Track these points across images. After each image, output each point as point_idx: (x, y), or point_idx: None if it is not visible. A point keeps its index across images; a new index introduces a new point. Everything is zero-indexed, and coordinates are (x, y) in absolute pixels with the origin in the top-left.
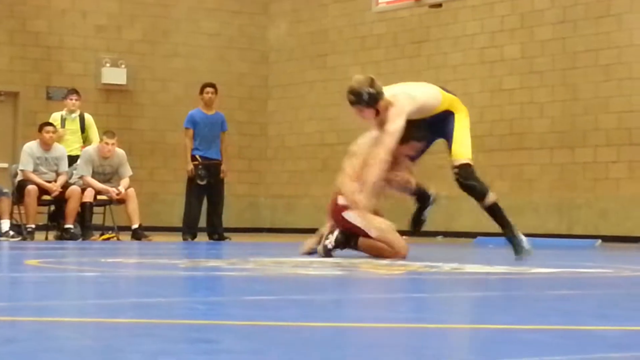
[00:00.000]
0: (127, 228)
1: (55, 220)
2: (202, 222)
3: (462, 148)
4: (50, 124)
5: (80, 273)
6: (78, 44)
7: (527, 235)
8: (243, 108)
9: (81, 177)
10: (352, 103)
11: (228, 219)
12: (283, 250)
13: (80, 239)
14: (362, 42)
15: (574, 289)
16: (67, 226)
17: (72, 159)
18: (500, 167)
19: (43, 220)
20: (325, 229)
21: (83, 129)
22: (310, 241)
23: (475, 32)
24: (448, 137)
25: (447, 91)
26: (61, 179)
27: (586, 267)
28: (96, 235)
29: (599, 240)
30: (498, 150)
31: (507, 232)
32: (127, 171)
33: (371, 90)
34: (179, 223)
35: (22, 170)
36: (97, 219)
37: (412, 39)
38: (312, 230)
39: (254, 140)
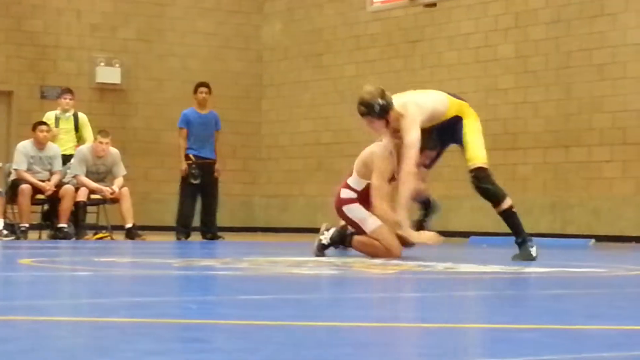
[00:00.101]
0: (120, 227)
1: (49, 219)
2: (196, 222)
3: (476, 152)
4: (44, 123)
5: (73, 272)
6: (73, 43)
7: None
8: (237, 107)
9: (75, 177)
10: (363, 114)
11: (222, 218)
12: (277, 250)
13: (74, 238)
14: (357, 42)
15: (567, 288)
16: (60, 225)
17: (66, 158)
18: (494, 166)
19: (37, 219)
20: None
21: (77, 128)
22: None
23: (470, 31)
24: (460, 142)
25: (455, 96)
26: (55, 178)
27: (579, 266)
28: (90, 234)
29: (593, 240)
30: (492, 150)
31: (518, 238)
32: (121, 170)
33: (382, 101)
34: (172, 222)
35: (15, 170)
36: (90, 218)
37: (407, 39)
38: (307, 230)
39: (249, 139)
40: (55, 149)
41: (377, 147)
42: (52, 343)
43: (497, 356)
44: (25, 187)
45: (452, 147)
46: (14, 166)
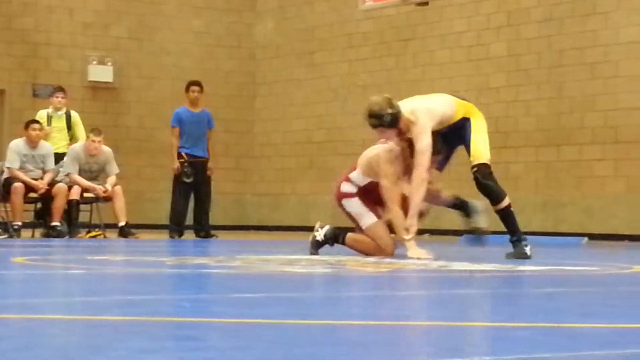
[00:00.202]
0: (113, 226)
1: (42, 217)
2: (190, 220)
3: (480, 149)
4: (37, 122)
5: (66, 271)
6: (65, 41)
7: None
8: (230, 105)
9: (68, 175)
10: (374, 126)
11: (215, 216)
12: (270, 248)
13: (67, 237)
14: (349, 40)
15: (560, 286)
16: (53, 224)
17: (59, 157)
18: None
19: (29, 217)
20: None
21: (69, 126)
22: None
23: (462, 30)
24: (467, 143)
25: (460, 98)
26: (47, 177)
27: (572, 265)
28: (83, 232)
29: (586, 238)
30: None
31: (513, 236)
32: (114, 169)
33: (392, 111)
34: (166, 221)
35: (8, 168)
36: (83, 217)
37: (399, 37)
38: (299, 228)
39: (241, 137)
40: (47, 148)
41: (383, 151)
42: (46, 341)
43: (491, 354)
44: (18, 186)
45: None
46: (7, 164)
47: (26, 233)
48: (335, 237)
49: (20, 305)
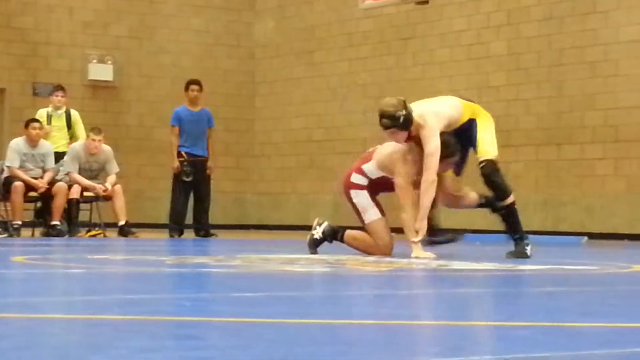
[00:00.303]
0: (113, 225)
1: (42, 216)
2: (189, 219)
3: (487, 147)
4: (37, 120)
5: (66, 270)
6: (64, 40)
7: None
8: (230, 104)
9: (68, 174)
10: (387, 127)
11: (214, 215)
12: (270, 247)
13: (67, 236)
14: (349, 39)
15: (560, 286)
16: (53, 223)
17: (59, 156)
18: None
19: (29, 216)
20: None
21: (69, 125)
22: None
23: (462, 28)
24: (474, 142)
25: (466, 99)
26: (47, 176)
27: (572, 264)
28: (82, 232)
29: (586, 237)
30: None
31: (515, 234)
32: (114, 168)
33: (405, 112)
34: (166, 220)
35: (8, 167)
36: (83, 216)
37: (399, 36)
38: (299, 227)
39: (241, 136)
40: (47, 146)
41: (402, 150)
42: (46, 340)
43: (491, 353)
44: (18, 185)
45: None
46: (7, 163)
47: (26, 232)
48: (334, 234)
49: (20, 304)
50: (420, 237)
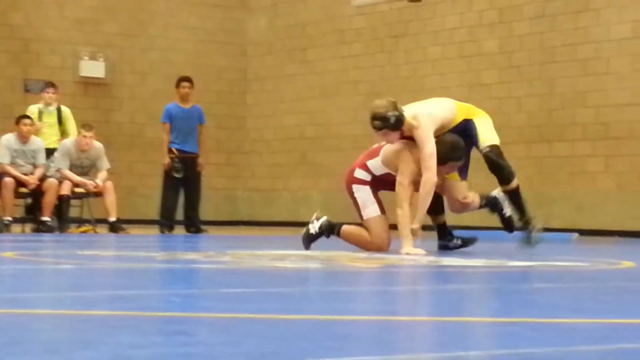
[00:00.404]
0: (104, 221)
1: (32, 212)
2: (180, 215)
3: (488, 135)
4: (28, 117)
5: (56, 265)
6: (56, 37)
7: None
8: (221, 101)
9: (59, 170)
10: (378, 129)
11: (205, 212)
12: (260, 243)
13: (57, 232)
14: (341, 36)
15: (550, 282)
16: (44, 219)
17: (50, 152)
18: (478, 160)
19: (20, 212)
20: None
21: (60, 122)
22: None
23: (454, 26)
24: (475, 139)
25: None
26: (38, 172)
27: (563, 260)
28: (73, 228)
29: (576, 234)
30: None
31: (522, 219)
32: (105, 164)
33: (396, 113)
34: (157, 216)
35: None
36: (74, 212)
37: (391, 33)
38: (290, 224)
39: (232, 133)
40: (38, 143)
41: (408, 148)
42: (35, 336)
43: (480, 349)
44: (8, 181)
45: None
46: None
47: (16, 228)
48: (331, 229)
49: (10, 300)
50: (414, 237)
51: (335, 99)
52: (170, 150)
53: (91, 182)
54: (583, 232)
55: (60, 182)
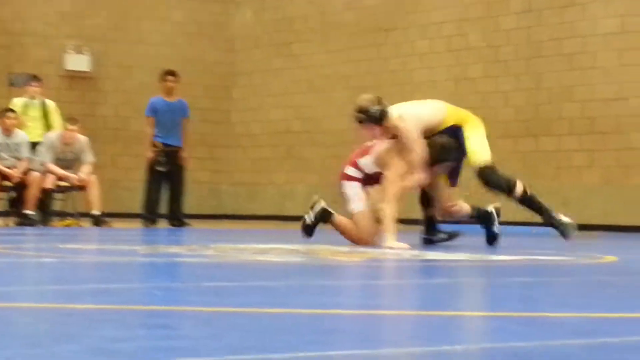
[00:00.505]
0: (88, 214)
1: (16, 206)
2: (164, 209)
3: (477, 154)
4: (12, 110)
5: (39, 259)
6: (41, 30)
7: None
8: (208, 95)
9: (42, 163)
10: (361, 121)
11: (189, 205)
12: (244, 237)
13: (40, 225)
14: (329, 30)
15: (534, 276)
16: (27, 212)
17: (34, 146)
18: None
19: (3, 206)
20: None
21: (45, 115)
22: None
23: (442, 20)
24: (464, 151)
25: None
26: (22, 165)
27: (547, 254)
28: (56, 221)
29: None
30: None
31: (546, 218)
32: (89, 157)
33: (379, 107)
34: (140, 209)
35: None
36: (58, 205)
37: (379, 27)
38: (275, 218)
39: (218, 127)
40: (22, 136)
41: (395, 147)
42: (17, 329)
43: (463, 343)
44: None
45: None
46: None
47: None
48: (325, 217)
49: None
50: (394, 233)
51: (322, 93)
52: (154, 144)
53: (75, 175)
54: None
55: (44, 176)
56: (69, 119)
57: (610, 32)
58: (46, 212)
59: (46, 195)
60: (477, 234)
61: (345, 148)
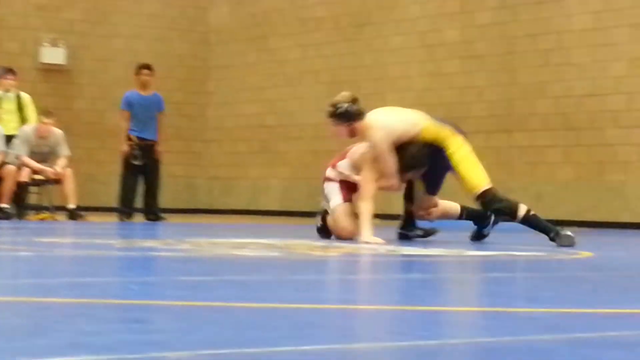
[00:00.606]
0: (63, 208)
1: None
2: (140, 203)
3: (473, 181)
4: None
5: (14, 253)
6: (16, 23)
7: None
8: (182, 89)
9: (18, 157)
10: (328, 115)
11: (165, 199)
12: (219, 232)
13: (16, 219)
14: (304, 25)
15: (507, 271)
16: (2, 206)
17: (9, 139)
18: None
19: None
20: None
21: (20, 108)
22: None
23: (416, 16)
24: (455, 174)
25: (442, 121)
26: None
27: (520, 250)
28: (32, 215)
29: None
30: None
31: (549, 234)
32: (65, 151)
33: (348, 106)
34: (116, 203)
35: None
36: (33, 199)
37: (354, 22)
38: (250, 212)
39: (193, 121)
40: None
41: (370, 152)
42: None
43: (434, 338)
44: None
45: None
46: None
47: None
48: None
49: None
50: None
51: (297, 88)
52: (129, 138)
53: (50, 169)
54: None
55: (19, 169)
56: (44, 112)
57: (585, 29)
58: (21, 205)
59: (21, 189)
60: (459, 229)
61: (320, 142)
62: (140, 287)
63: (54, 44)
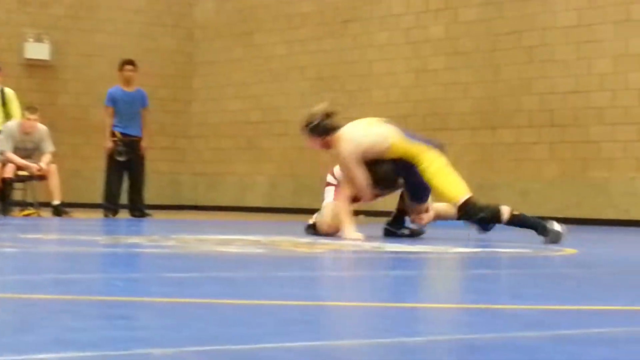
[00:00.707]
0: (48, 204)
1: None
2: (125, 199)
3: (450, 193)
4: None
5: None
6: (1, 18)
7: None
8: (168, 85)
9: (2, 153)
10: (301, 129)
11: (150, 196)
12: (204, 228)
13: (0, 215)
14: (289, 21)
15: (491, 268)
16: None
17: None
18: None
19: None
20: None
21: (4, 104)
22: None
23: (401, 12)
24: (424, 183)
25: (414, 136)
26: None
27: (505, 247)
28: (16, 211)
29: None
30: (421, 130)
31: (541, 231)
32: (49, 147)
33: (320, 121)
34: (101, 200)
35: None
36: (17, 195)
37: (339, 18)
38: (235, 208)
39: (177, 117)
40: None
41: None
42: None
43: (418, 335)
44: None
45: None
46: None
47: None
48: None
49: None
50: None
51: (282, 84)
52: (113, 134)
53: (35, 165)
54: None
55: (3, 165)
56: (28, 107)
57: (570, 25)
58: (6, 201)
59: (6, 185)
60: (439, 226)
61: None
62: (125, 284)
63: (39, 39)
